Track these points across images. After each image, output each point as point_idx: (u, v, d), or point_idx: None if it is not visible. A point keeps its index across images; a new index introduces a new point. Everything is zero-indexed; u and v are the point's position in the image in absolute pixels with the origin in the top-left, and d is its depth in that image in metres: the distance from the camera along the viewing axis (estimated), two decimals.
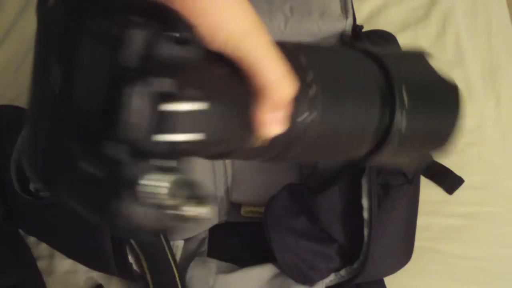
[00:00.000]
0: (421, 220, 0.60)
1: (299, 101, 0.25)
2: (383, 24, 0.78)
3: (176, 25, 0.19)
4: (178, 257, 0.62)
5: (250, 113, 0.24)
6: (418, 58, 0.34)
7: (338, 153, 0.31)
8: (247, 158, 0.29)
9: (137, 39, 0.18)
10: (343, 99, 0.28)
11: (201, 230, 0.67)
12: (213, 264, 0.60)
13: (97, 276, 0.64)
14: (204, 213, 0.20)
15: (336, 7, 0.65)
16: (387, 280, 0.61)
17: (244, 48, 0.23)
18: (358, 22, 0.67)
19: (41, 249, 0.65)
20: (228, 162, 0.64)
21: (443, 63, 0.34)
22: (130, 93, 0.18)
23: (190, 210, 0.19)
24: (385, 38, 0.64)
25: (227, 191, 0.66)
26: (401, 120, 0.30)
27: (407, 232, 0.59)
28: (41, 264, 0.64)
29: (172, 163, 0.19)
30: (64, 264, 0.65)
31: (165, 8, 0.19)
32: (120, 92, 0.18)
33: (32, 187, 0.54)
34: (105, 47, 0.19)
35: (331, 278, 0.59)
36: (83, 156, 0.19)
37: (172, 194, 0.19)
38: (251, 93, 0.24)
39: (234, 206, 0.69)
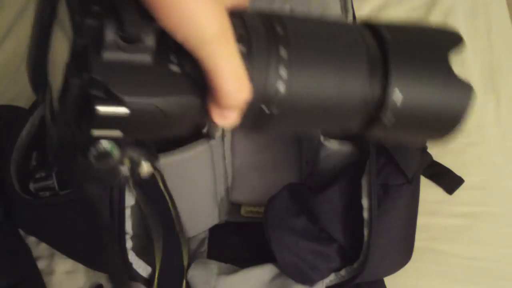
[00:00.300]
0: (421, 220, 0.60)
1: (266, 69, 0.25)
2: None
3: (128, 22, 0.21)
4: None
5: (201, 105, 0.25)
6: (424, 30, 0.31)
7: (326, 122, 0.29)
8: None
9: (86, 32, 0.21)
10: (319, 64, 0.27)
11: (201, 230, 0.67)
12: (214, 265, 0.60)
13: (97, 276, 0.64)
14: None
15: (336, 7, 0.65)
16: (387, 280, 0.61)
17: (206, 52, 0.23)
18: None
19: (41, 249, 0.65)
20: (228, 162, 0.64)
21: None
22: (67, 87, 0.22)
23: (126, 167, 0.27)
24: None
25: (227, 191, 0.66)
26: (393, 93, 0.27)
27: (407, 232, 0.59)
28: (41, 264, 0.64)
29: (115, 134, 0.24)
30: (64, 264, 0.65)
31: (120, 4, 0.22)
32: (64, 85, 0.22)
33: (32, 187, 0.54)
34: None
35: (331, 278, 0.59)
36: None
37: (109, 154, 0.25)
38: (203, 88, 0.24)
39: (234, 206, 0.69)
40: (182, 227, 0.60)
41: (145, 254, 0.60)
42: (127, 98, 0.22)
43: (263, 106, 0.26)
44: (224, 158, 0.62)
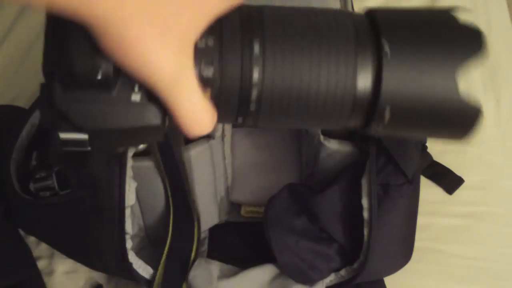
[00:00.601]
0: (421, 220, 0.60)
1: (241, 60, 0.25)
2: None
3: (81, 62, 0.23)
4: None
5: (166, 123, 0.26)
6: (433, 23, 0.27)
7: (316, 118, 0.27)
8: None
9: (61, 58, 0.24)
10: (298, 57, 0.25)
11: (201, 230, 0.67)
12: (215, 266, 0.60)
13: (97, 276, 0.64)
14: None
15: (336, 7, 0.65)
16: (387, 280, 0.61)
17: (163, 93, 0.24)
18: None
19: (41, 249, 0.65)
20: (228, 162, 0.64)
21: None
22: (42, 102, 0.25)
23: None
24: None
25: (227, 191, 0.66)
26: (387, 91, 0.25)
27: (407, 232, 0.59)
28: (41, 264, 0.64)
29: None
30: (64, 264, 0.65)
31: (72, 44, 0.23)
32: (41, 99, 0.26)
33: (32, 187, 0.54)
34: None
35: (331, 278, 0.59)
36: None
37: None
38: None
39: (234, 206, 0.69)
40: (197, 212, 0.61)
41: (145, 254, 0.60)
42: (86, 128, 0.24)
43: (242, 92, 0.26)
44: (224, 158, 0.62)
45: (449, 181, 0.69)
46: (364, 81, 0.25)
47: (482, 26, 0.86)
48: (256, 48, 0.25)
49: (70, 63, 0.23)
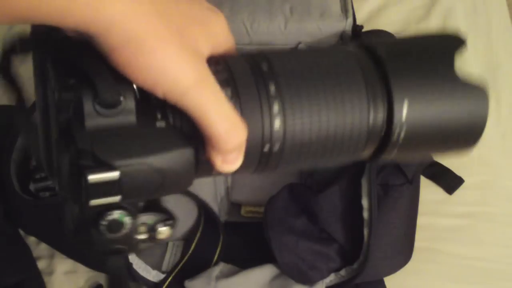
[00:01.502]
0: (421, 220, 0.60)
1: (258, 107, 0.25)
2: (383, 24, 0.78)
3: (103, 89, 0.22)
4: None
5: (200, 156, 0.24)
6: (422, 40, 0.29)
7: (333, 156, 0.28)
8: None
9: (65, 105, 0.22)
10: (312, 96, 0.26)
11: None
12: (214, 266, 0.60)
13: (97, 276, 0.64)
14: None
15: (336, 7, 0.65)
16: (387, 280, 0.61)
17: (188, 101, 0.23)
18: (358, 22, 0.67)
19: (41, 249, 0.65)
20: None
21: None
22: (60, 164, 0.23)
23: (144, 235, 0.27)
24: (385, 38, 0.64)
25: (227, 191, 0.66)
26: (401, 117, 0.26)
27: (407, 232, 0.59)
28: (41, 264, 0.64)
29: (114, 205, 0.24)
30: (64, 264, 0.65)
31: (92, 72, 0.22)
32: (57, 163, 0.23)
33: (32, 187, 0.54)
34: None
35: (331, 278, 0.59)
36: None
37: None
38: (196, 139, 0.24)
39: (234, 206, 0.69)
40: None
41: (145, 254, 0.60)
42: (116, 162, 0.22)
43: (264, 145, 0.25)
44: None
45: (449, 181, 0.69)
46: (376, 115, 0.26)
47: (482, 26, 0.86)
48: (273, 97, 0.25)
49: (96, 92, 0.22)
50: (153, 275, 0.59)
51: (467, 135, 0.28)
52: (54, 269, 0.65)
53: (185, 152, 0.24)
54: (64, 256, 0.64)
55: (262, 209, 0.61)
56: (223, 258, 0.62)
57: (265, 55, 0.26)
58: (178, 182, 0.25)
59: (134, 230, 0.26)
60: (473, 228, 0.66)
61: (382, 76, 0.26)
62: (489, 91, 0.27)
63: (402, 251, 0.59)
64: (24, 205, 0.55)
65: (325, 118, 0.26)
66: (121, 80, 0.22)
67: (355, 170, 0.58)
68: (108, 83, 0.22)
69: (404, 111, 0.26)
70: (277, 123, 0.25)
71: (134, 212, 0.25)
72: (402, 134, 0.26)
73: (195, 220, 0.62)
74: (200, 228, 0.61)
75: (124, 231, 0.25)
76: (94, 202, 0.22)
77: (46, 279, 0.64)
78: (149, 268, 0.59)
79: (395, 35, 0.66)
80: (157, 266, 0.61)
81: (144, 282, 0.58)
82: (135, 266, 0.56)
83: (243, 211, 0.69)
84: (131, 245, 0.26)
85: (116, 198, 0.23)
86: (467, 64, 0.76)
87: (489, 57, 0.77)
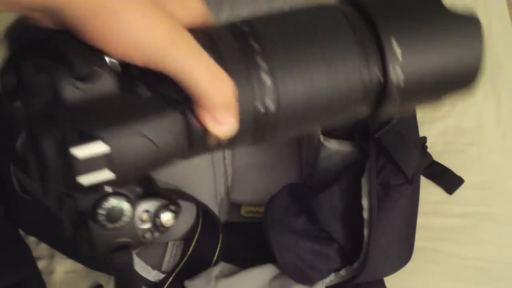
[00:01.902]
0: (421, 220, 0.60)
1: (249, 85, 0.24)
2: None
3: (77, 62, 0.21)
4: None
5: (190, 121, 0.24)
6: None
7: (331, 117, 0.27)
8: (224, 148, 0.27)
9: (41, 88, 0.22)
10: (302, 59, 0.25)
11: None
12: (214, 266, 0.60)
13: (97, 276, 0.64)
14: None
15: None
16: (387, 280, 0.61)
17: (166, 60, 0.22)
18: None
19: (41, 249, 0.65)
20: (228, 162, 0.64)
21: None
22: (42, 142, 0.21)
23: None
24: None
25: (227, 191, 0.66)
26: (395, 75, 0.26)
27: (407, 232, 0.59)
28: (41, 264, 0.64)
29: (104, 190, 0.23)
30: (64, 264, 0.65)
31: (64, 48, 0.22)
32: (37, 142, 0.22)
33: None
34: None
35: (331, 278, 0.59)
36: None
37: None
38: (182, 103, 0.23)
39: (234, 206, 0.69)
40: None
41: (145, 254, 0.60)
42: (101, 133, 0.21)
43: (256, 105, 0.25)
44: (224, 158, 0.62)
45: (449, 181, 0.69)
46: (371, 70, 0.26)
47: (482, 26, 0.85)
48: (259, 54, 0.24)
49: (70, 67, 0.21)
50: (153, 275, 0.59)
51: (467, 66, 0.27)
52: (54, 269, 0.65)
53: (174, 118, 0.23)
54: (64, 256, 0.64)
55: (262, 209, 0.61)
56: (223, 258, 0.62)
57: (247, 20, 0.26)
58: (171, 152, 0.24)
59: (137, 218, 0.25)
60: (473, 228, 0.66)
61: (370, 25, 0.26)
62: (480, 21, 0.27)
63: (402, 251, 0.59)
64: (24, 205, 0.55)
65: (317, 73, 0.25)
66: (95, 51, 0.22)
67: (355, 170, 0.58)
68: (81, 55, 0.22)
69: (395, 49, 0.25)
70: (268, 81, 0.24)
71: (133, 199, 0.24)
72: (401, 75, 0.26)
73: (194, 220, 0.62)
74: (199, 228, 0.61)
75: (125, 219, 0.24)
76: (86, 179, 0.21)
77: (46, 279, 0.64)
78: (149, 268, 0.59)
79: None
80: (157, 266, 0.61)
81: (144, 282, 0.58)
82: (135, 266, 0.56)
83: (243, 211, 0.69)
84: (136, 237, 0.25)
85: (109, 175, 0.22)
86: None
87: (489, 57, 0.77)
